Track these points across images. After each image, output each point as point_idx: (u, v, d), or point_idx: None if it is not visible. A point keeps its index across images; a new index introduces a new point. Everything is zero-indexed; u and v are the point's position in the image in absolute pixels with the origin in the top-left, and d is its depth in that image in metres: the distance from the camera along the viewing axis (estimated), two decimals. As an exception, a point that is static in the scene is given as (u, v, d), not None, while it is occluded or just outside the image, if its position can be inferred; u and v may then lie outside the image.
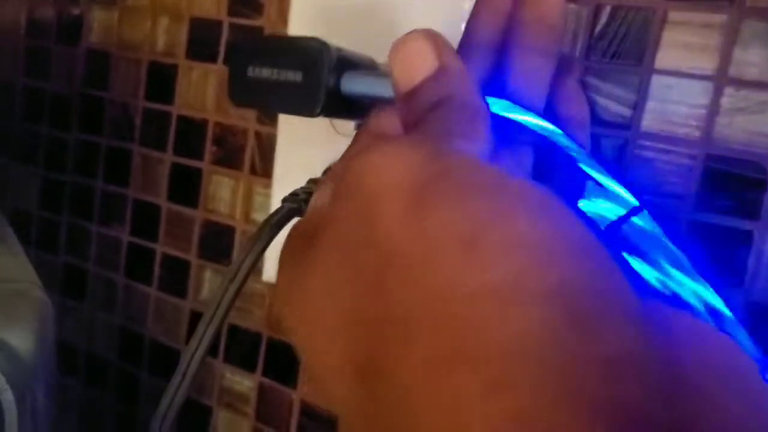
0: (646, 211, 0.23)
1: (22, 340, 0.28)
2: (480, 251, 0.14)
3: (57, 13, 0.51)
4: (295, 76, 0.29)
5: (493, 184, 0.16)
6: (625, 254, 0.22)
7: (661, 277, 0.21)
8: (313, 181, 0.34)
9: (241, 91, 0.30)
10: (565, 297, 0.13)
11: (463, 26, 0.34)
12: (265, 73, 0.29)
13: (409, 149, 0.17)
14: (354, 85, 0.29)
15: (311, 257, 0.18)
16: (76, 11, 0.50)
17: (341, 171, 0.19)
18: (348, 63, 0.30)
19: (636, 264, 0.21)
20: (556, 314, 0.13)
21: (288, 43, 0.31)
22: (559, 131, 0.23)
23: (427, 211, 0.15)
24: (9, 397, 0.27)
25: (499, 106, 0.24)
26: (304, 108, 0.30)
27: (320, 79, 0.28)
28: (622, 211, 0.23)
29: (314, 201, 0.25)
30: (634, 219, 0.22)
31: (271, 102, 0.30)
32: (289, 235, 0.23)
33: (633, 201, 0.23)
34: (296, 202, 0.32)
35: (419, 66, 0.22)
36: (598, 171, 0.24)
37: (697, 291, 0.20)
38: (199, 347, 0.30)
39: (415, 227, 0.15)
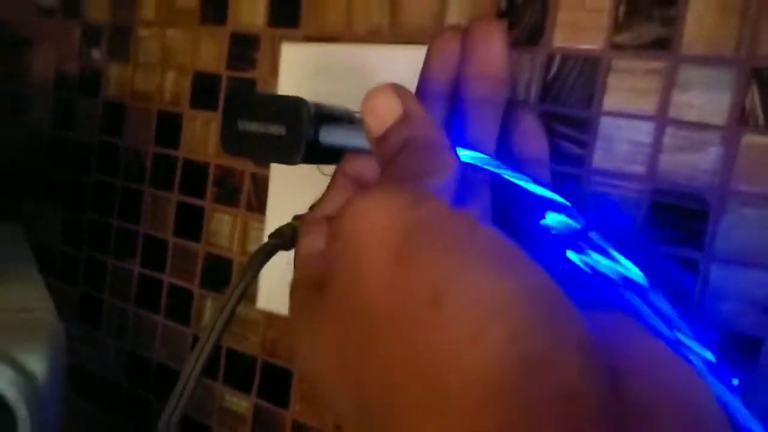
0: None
1: (36, 363, 0.31)
2: (446, 307, 0.16)
3: (80, 69, 0.55)
4: (279, 129, 0.31)
5: (462, 236, 0.18)
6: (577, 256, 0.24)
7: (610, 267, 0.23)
8: (297, 218, 0.37)
9: (232, 142, 0.33)
10: (519, 344, 0.15)
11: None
12: (253, 126, 0.32)
13: (388, 198, 0.19)
14: (331, 136, 0.32)
15: (321, 311, 0.20)
16: (96, 66, 0.54)
17: (335, 222, 0.21)
18: (326, 116, 0.33)
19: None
20: (511, 360, 0.15)
21: (273, 100, 0.34)
22: (510, 171, 0.26)
23: (403, 268, 0.17)
24: (23, 414, 0.30)
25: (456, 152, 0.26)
26: (286, 158, 0.33)
27: (300, 133, 0.31)
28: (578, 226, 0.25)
29: (308, 245, 0.26)
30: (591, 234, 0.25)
31: (258, 152, 0.33)
32: (299, 282, 0.24)
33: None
34: (281, 238, 0.35)
35: (386, 113, 0.25)
36: (550, 195, 0.26)
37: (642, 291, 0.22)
38: (196, 365, 0.32)
39: (395, 286, 0.17)
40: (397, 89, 0.25)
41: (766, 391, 0.30)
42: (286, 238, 0.34)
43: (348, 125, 0.32)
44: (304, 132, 0.31)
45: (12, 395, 0.29)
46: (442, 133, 0.24)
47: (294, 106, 0.31)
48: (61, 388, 0.32)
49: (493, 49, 0.25)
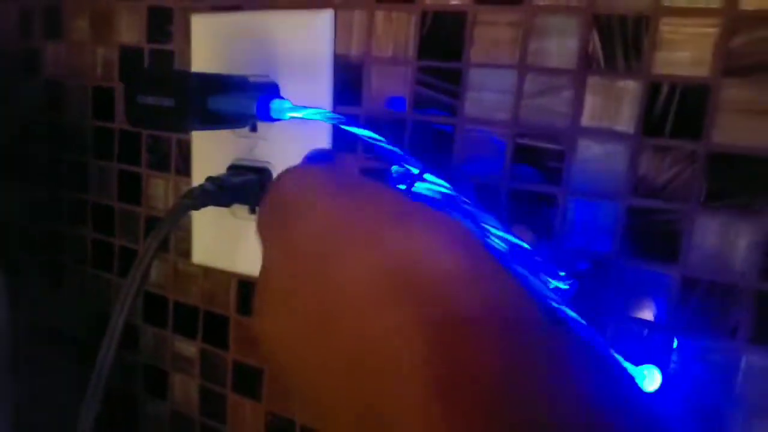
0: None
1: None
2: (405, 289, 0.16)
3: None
4: (169, 101, 0.35)
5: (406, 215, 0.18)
6: None
7: None
8: (209, 179, 0.41)
9: (133, 115, 0.36)
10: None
11: (324, 43, 0.40)
12: (150, 100, 0.35)
13: (326, 173, 0.22)
14: (218, 104, 0.35)
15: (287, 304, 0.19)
16: (34, 46, 0.57)
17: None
18: (215, 84, 0.37)
19: None
20: None
21: (165, 75, 0.37)
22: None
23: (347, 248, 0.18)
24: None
25: None
26: (177, 127, 0.37)
27: (186, 104, 0.35)
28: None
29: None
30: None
31: (155, 123, 0.37)
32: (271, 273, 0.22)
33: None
34: (191, 198, 0.39)
35: None
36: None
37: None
38: (122, 313, 0.37)
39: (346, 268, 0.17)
40: None
41: (617, 300, 0.34)
42: (195, 198, 0.38)
43: (233, 94, 0.36)
44: (191, 103, 0.34)
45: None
46: None
47: (181, 78, 0.35)
48: (5, 336, 0.36)
49: None
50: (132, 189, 0.51)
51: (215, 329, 0.48)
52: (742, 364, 0.31)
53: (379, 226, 0.18)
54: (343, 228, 0.18)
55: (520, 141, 0.35)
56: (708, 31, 0.30)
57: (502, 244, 0.28)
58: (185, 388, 0.51)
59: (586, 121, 0.34)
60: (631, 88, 0.32)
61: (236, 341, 0.47)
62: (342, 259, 0.18)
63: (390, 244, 0.17)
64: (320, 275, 0.18)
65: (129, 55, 0.50)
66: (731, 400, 0.32)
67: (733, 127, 0.30)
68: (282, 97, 0.36)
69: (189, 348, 0.50)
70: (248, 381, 0.47)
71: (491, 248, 0.24)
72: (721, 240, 0.31)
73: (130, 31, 0.49)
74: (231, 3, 0.44)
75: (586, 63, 0.33)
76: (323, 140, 0.40)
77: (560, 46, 0.34)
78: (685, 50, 0.31)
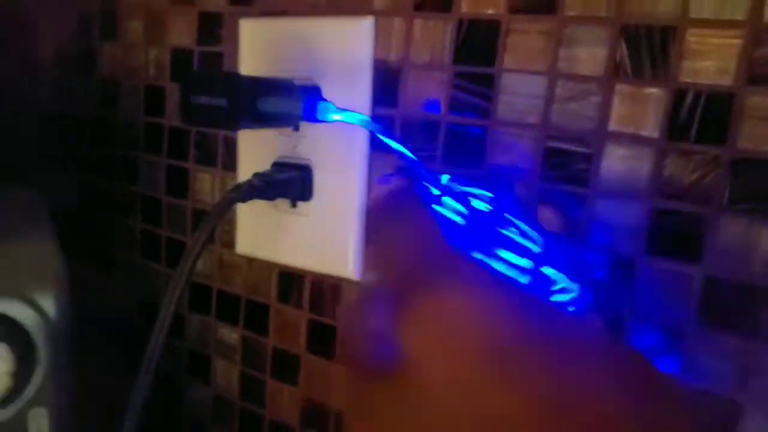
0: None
1: (48, 302, 0.39)
2: None
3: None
4: (221, 102, 0.38)
5: None
6: None
7: None
8: (255, 175, 0.44)
9: (188, 114, 0.39)
10: None
11: (365, 48, 0.42)
12: (203, 100, 0.38)
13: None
14: (266, 105, 0.38)
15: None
16: (91, 47, 0.61)
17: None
18: (264, 87, 0.39)
19: None
20: None
21: (217, 77, 0.40)
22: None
23: None
24: (40, 342, 0.38)
25: None
26: (229, 125, 0.39)
27: (237, 104, 0.37)
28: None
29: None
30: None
31: (208, 121, 0.40)
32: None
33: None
34: (238, 192, 0.42)
35: None
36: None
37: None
38: (171, 303, 0.40)
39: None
40: None
41: (641, 301, 0.36)
42: (242, 192, 0.41)
43: (282, 96, 0.38)
44: (242, 103, 0.37)
45: (30, 326, 0.37)
46: None
47: (233, 81, 0.37)
48: (69, 322, 0.40)
49: None
50: (179, 183, 0.55)
51: (256, 317, 0.51)
52: (765, 363, 0.33)
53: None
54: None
55: (550, 144, 0.37)
56: (732, 41, 0.32)
57: (529, 243, 0.31)
58: (227, 373, 0.54)
59: (613, 125, 0.35)
60: (657, 95, 0.34)
61: (276, 329, 0.50)
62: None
63: None
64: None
65: (180, 57, 0.53)
66: (752, 399, 0.33)
67: (756, 134, 0.32)
68: (325, 100, 0.38)
69: (231, 335, 0.53)
70: (286, 367, 0.50)
71: None
72: (743, 242, 0.33)
73: (181, 33, 0.53)
74: (277, 9, 0.47)
75: (614, 71, 0.35)
76: (361, 140, 0.43)
77: (589, 54, 0.36)
78: (710, 60, 0.33)
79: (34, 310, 0.38)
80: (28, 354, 0.38)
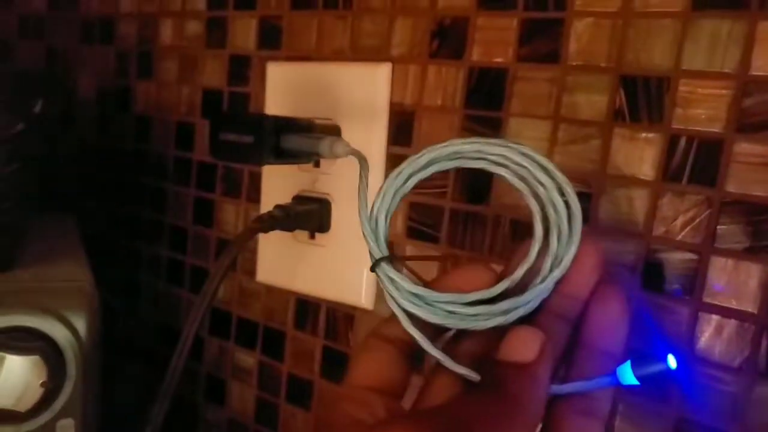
0: None
1: (79, 320, 0.42)
2: None
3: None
4: (248, 139, 0.42)
5: None
6: None
7: None
8: (277, 206, 0.47)
9: (216, 149, 0.43)
10: None
11: (382, 92, 0.46)
12: (231, 137, 0.42)
13: None
14: (290, 143, 0.42)
15: None
16: (127, 84, 0.66)
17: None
18: (287, 126, 0.43)
19: None
20: None
21: (245, 115, 0.44)
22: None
23: None
24: (70, 356, 0.42)
25: None
26: (255, 161, 0.43)
27: (263, 141, 0.41)
28: None
29: (349, 411, 0.24)
30: None
31: (235, 157, 0.44)
32: None
33: None
34: (260, 223, 0.45)
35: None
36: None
37: None
38: (193, 327, 0.43)
39: None
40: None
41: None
42: (264, 222, 0.45)
43: (303, 134, 0.42)
44: (266, 141, 0.41)
45: (62, 342, 0.41)
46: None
47: (259, 120, 0.41)
48: (97, 340, 0.43)
49: (612, 323, 0.24)
50: (205, 213, 0.59)
51: (273, 343, 0.55)
52: (754, 396, 0.35)
53: None
54: None
55: (553, 183, 0.40)
56: (722, 92, 0.35)
57: None
58: (242, 396, 0.57)
59: (612, 167, 0.38)
60: (653, 139, 0.37)
61: (291, 355, 0.53)
62: None
63: None
64: None
65: (210, 96, 0.58)
66: (743, 429, 0.35)
67: (744, 178, 0.35)
68: (343, 140, 0.42)
69: (248, 359, 0.56)
70: (300, 392, 0.53)
71: None
72: (734, 280, 0.35)
73: (212, 74, 0.57)
74: (302, 54, 0.51)
75: (613, 116, 0.38)
76: (377, 176, 0.46)
77: (590, 100, 0.39)
78: (701, 108, 0.36)
79: (67, 328, 0.42)
80: (59, 368, 0.41)
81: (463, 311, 0.24)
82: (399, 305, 0.25)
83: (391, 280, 0.25)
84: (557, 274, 0.24)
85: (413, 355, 0.26)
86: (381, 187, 0.27)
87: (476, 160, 0.26)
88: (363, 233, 0.26)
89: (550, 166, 0.25)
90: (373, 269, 0.26)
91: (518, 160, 0.25)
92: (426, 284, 0.25)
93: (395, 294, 0.25)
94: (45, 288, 0.45)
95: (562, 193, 0.25)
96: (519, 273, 0.24)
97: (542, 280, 0.24)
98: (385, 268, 0.25)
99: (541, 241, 0.25)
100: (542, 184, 0.25)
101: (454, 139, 0.26)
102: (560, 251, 0.24)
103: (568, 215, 0.24)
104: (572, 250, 0.24)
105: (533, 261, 0.24)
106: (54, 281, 0.46)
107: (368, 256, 0.26)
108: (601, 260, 0.24)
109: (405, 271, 0.25)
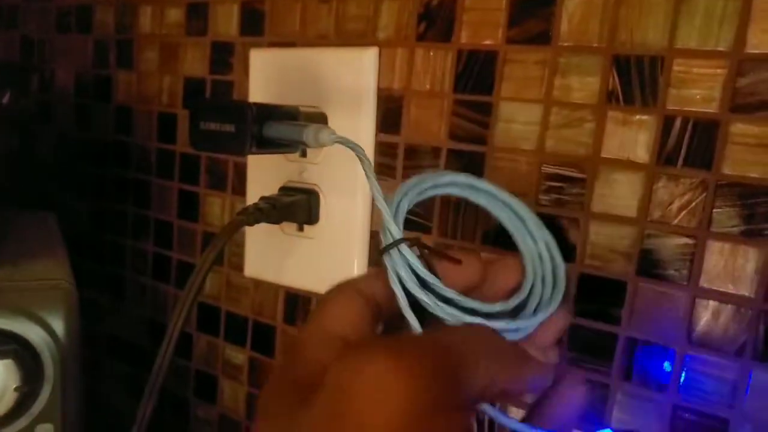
0: None
1: (57, 322, 0.41)
2: None
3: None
4: (230, 128, 0.41)
5: None
6: None
7: None
8: (262, 198, 0.46)
9: (197, 139, 0.42)
10: None
11: (369, 77, 0.45)
12: (212, 126, 0.41)
13: (417, 378, 0.18)
14: (272, 131, 0.41)
15: (301, 421, 0.19)
16: (107, 74, 0.65)
17: (334, 370, 0.19)
18: (269, 114, 0.42)
19: None
20: None
21: (225, 104, 0.43)
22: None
23: None
24: (47, 359, 0.41)
25: None
26: (237, 151, 0.42)
27: (245, 130, 0.40)
28: None
29: (309, 354, 0.23)
30: None
31: (217, 147, 0.43)
32: (281, 377, 0.23)
33: None
34: (245, 215, 0.44)
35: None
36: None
37: None
38: (178, 322, 0.43)
39: None
40: None
41: (629, 326, 0.38)
42: (249, 214, 0.44)
43: (286, 122, 0.41)
44: (248, 129, 0.40)
45: (39, 344, 0.40)
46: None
47: (240, 108, 0.40)
48: (77, 341, 0.43)
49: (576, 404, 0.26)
50: (190, 207, 0.58)
51: (263, 338, 0.54)
52: (752, 382, 0.35)
53: None
54: None
55: (546, 169, 0.40)
56: (717, 71, 0.34)
57: None
58: (233, 393, 0.56)
59: (606, 151, 0.38)
60: (647, 122, 0.36)
61: (282, 350, 0.53)
62: None
63: None
64: None
65: (192, 85, 0.56)
66: (740, 416, 0.35)
67: (741, 160, 0.34)
68: (329, 127, 0.41)
69: (238, 355, 0.56)
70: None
71: None
72: (731, 263, 0.35)
73: (194, 62, 0.56)
74: (286, 40, 0.50)
75: (606, 98, 0.38)
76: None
77: (583, 82, 0.38)
78: (696, 88, 0.35)
79: (43, 329, 0.41)
80: (36, 371, 0.41)
81: (460, 315, 0.25)
82: (405, 286, 0.25)
83: (406, 262, 0.26)
84: (541, 317, 0.27)
85: (380, 319, 0.26)
86: (410, 180, 0.29)
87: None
88: (383, 216, 0.26)
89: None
90: (387, 249, 0.26)
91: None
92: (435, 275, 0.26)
93: (404, 275, 0.25)
94: (20, 287, 0.44)
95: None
96: (513, 302, 0.27)
97: (529, 317, 0.27)
98: (405, 250, 0.26)
99: (532, 282, 0.29)
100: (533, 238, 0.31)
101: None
102: (545, 297, 0.28)
103: (552, 268, 0.30)
104: (558, 298, 0.28)
105: (525, 297, 0.28)
106: (30, 280, 0.44)
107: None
108: (566, 326, 0.28)
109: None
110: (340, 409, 0.18)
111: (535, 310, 0.27)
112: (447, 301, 0.26)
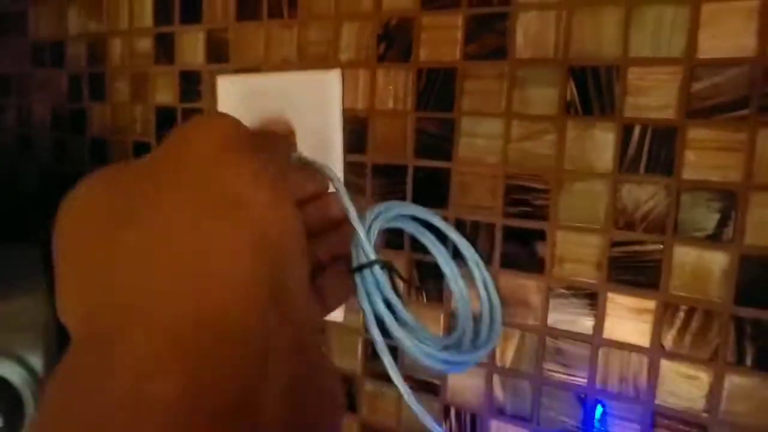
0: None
1: (37, 359, 0.41)
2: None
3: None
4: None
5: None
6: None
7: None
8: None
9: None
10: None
11: (333, 98, 0.45)
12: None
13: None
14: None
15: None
16: (81, 107, 0.65)
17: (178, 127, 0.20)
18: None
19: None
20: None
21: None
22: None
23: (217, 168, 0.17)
24: (27, 396, 0.40)
25: None
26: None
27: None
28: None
29: None
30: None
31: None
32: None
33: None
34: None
35: None
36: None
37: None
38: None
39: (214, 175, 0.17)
40: None
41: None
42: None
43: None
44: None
45: (18, 383, 0.39)
46: None
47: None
48: (52, 336, 0.42)
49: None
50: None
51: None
52: (726, 384, 0.34)
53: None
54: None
55: (510, 181, 0.39)
56: (671, 78, 0.34)
57: None
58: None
59: (568, 161, 0.38)
60: (606, 130, 0.36)
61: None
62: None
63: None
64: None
65: (164, 114, 0.56)
66: (716, 420, 0.34)
67: (701, 164, 0.34)
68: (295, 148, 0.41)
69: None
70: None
71: None
72: (697, 268, 0.34)
73: (164, 92, 0.56)
74: (251, 66, 0.50)
75: (565, 109, 0.37)
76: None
77: (542, 94, 0.38)
78: (651, 95, 0.35)
79: (23, 368, 0.41)
80: (15, 409, 0.40)
81: (412, 340, 0.28)
82: (372, 305, 0.27)
83: (376, 282, 0.27)
84: (482, 352, 0.32)
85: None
86: (379, 205, 0.30)
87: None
88: (359, 239, 0.26)
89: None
90: (360, 269, 0.27)
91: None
92: (399, 295, 0.28)
93: (373, 293, 0.27)
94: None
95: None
96: (454, 338, 0.32)
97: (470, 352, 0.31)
98: (377, 271, 0.27)
99: (462, 323, 0.33)
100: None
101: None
102: (482, 335, 0.33)
103: (490, 308, 0.34)
104: (496, 336, 0.33)
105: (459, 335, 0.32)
106: (9, 318, 0.44)
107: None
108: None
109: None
110: (177, 145, 0.18)
111: (476, 347, 0.31)
112: (404, 324, 0.26)
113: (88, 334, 0.15)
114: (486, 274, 0.33)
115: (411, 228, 0.32)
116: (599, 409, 0.38)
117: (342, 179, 0.45)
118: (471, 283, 0.37)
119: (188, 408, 0.13)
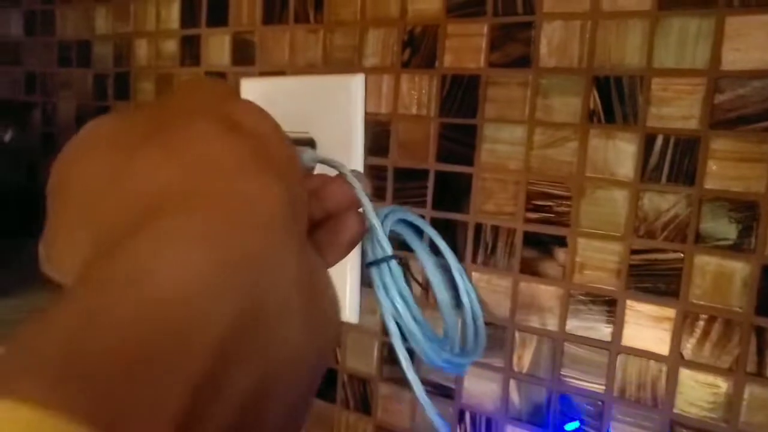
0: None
1: None
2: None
3: (95, 110, 0.67)
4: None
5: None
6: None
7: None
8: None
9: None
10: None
11: (357, 103, 0.46)
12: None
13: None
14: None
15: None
16: (105, 107, 0.66)
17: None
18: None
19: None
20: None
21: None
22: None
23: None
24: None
25: None
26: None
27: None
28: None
29: None
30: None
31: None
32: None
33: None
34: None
35: None
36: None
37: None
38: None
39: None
40: None
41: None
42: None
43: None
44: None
45: None
46: None
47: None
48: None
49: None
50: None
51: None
52: (745, 394, 0.34)
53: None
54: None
55: (532, 188, 0.40)
56: (695, 89, 0.35)
57: None
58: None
59: (590, 169, 0.38)
60: (629, 139, 0.37)
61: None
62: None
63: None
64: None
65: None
66: (735, 430, 0.34)
67: (723, 175, 0.34)
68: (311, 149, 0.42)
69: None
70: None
71: None
72: (717, 277, 0.35)
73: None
74: (276, 69, 0.51)
75: (588, 118, 0.38)
76: (360, 192, 0.45)
77: (565, 102, 0.39)
78: (675, 106, 0.35)
79: None
80: None
81: (423, 339, 0.29)
82: (389, 296, 0.28)
83: (393, 276, 0.28)
84: (473, 357, 0.33)
85: None
86: (386, 207, 0.31)
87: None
88: (377, 234, 0.27)
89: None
90: (378, 263, 0.28)
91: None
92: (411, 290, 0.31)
93: (390, 285, 0.28)
94: (7, 321, 0.44)
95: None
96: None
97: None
98: (393, 265, 0.28)
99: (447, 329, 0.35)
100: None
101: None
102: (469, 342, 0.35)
103: (473, 317, 0.35)
104: (481, 344, 0.34)
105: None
106: (20, 312, 0.45)
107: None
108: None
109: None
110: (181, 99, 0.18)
111: (464, 353, 0.33)
112: (414, 317, 0.27)
113: (110, 243, 0.14)
114: (469, 285, 0.35)
115: (407, 234, 0.33)
116: (575, 424, 0.38)
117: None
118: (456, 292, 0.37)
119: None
